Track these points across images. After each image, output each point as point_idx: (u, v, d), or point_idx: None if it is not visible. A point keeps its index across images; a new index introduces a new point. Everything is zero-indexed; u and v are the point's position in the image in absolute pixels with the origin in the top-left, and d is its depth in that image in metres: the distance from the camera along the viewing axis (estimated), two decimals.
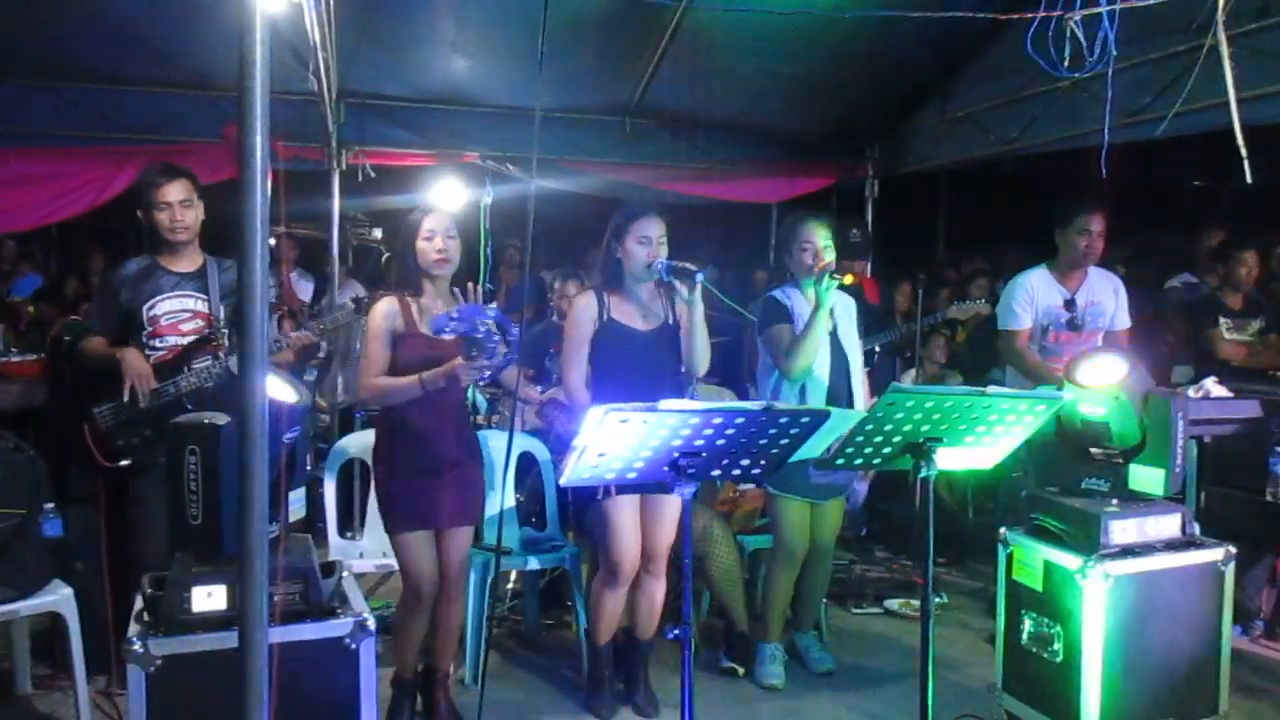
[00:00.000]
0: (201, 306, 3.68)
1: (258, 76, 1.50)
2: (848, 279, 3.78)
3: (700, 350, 3.58)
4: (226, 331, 3.68)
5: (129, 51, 5.26)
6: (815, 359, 3.82)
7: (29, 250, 8.51)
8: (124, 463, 3.56)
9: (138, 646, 2.36)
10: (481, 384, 3.32)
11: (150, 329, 3.61)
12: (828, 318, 3.83)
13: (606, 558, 3.59)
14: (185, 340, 3.63)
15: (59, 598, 3.43)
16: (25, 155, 5.47)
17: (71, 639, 3.41)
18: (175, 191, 3.61)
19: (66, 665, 3.47)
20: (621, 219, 3.59)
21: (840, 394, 3.89)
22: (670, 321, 3.65)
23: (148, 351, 3.59)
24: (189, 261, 3.71)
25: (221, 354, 3.62)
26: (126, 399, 3.51)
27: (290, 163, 5.80)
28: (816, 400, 3.81)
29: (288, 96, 5.53)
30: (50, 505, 3.48)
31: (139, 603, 2.55)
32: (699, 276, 3.40)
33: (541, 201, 3.28)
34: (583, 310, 3.59)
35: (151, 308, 3.61)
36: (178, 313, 3.65)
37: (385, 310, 3.34)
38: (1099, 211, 4.33)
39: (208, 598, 2.44)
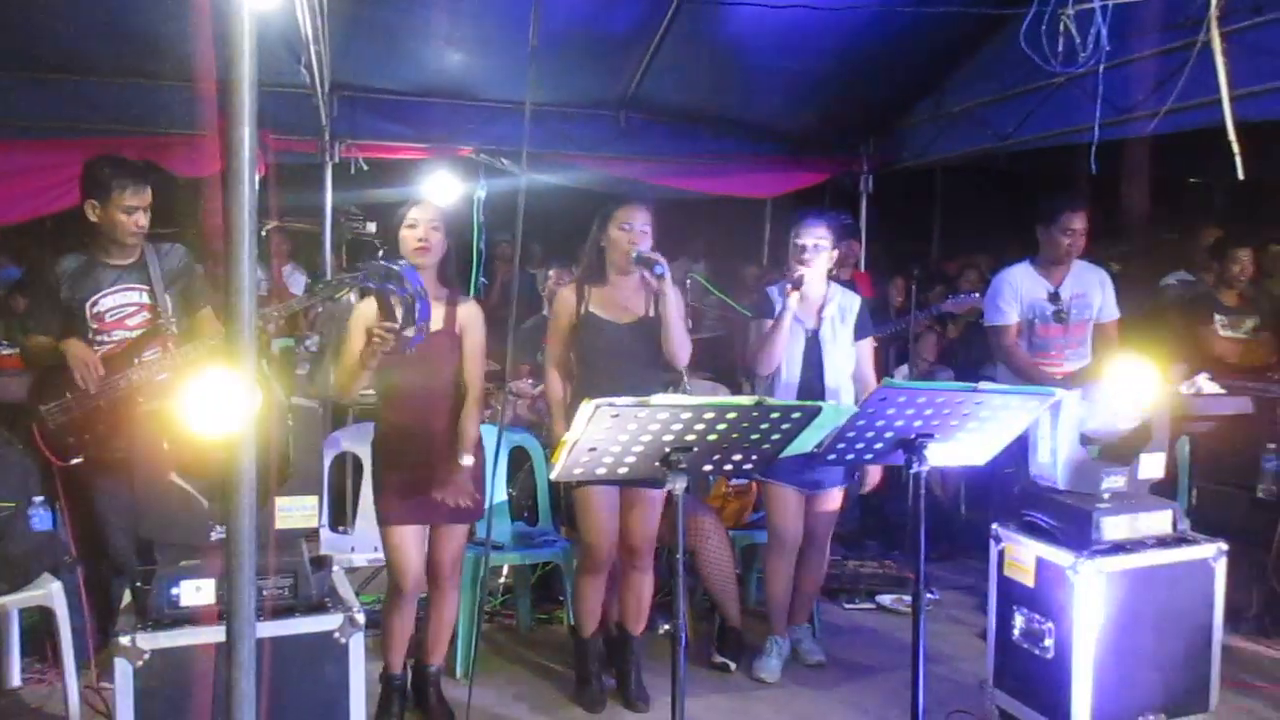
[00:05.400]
0: (146, 298, 3.60)
1: (244, 68, 1.48)
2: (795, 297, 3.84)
3: (676, 340, 3.57)
4: (175, 320, 3.62)
5: (120, 43, 5.22)
6: (781, 360, 3.86)
7: (8, 240, 8.40)
8: (76, 461, 3.47)
9: (126, 640, 2.35)
10: (406, 349, 3.24)
11: (95, 326, 3.53)
12: (790, 321, 3.84)
13: (582, 541, 3.61)
14: (134, 334, 3.56)
15: (48, 591, 3.42)
16: (15, 147, 5.43)
17: (61, 633, 3.40)
18: (145, 197, 3.52)
19: (57, 659, 3.47)
20: (607, 208, 3.64)
21: (811, 393, 3.88)
22: (651, 315, 3.65)
23: (96, 347, 3.51)
24: (128, 254, 3.61)
25: (171, 344, 3.56)
26: (81, 388, 3.41)
27: (283, 155, 5.78)
28: (784, 398, 3.82)
29: (280, 89, 5.51)
30: (40, 499, 3.47)
31: (126, 596, 2.54)
32: (659, 269, 3.44)
33: (535, 196, 3.28)
34: (560, 304, 3.65)
35: (94, 304, 3.53)
36: (122, 307, 3.57)
37: (363, 310, 3.35)
38: (1082, 210, 4.34)
39: (196, 592, 2.44)
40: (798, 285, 3.81)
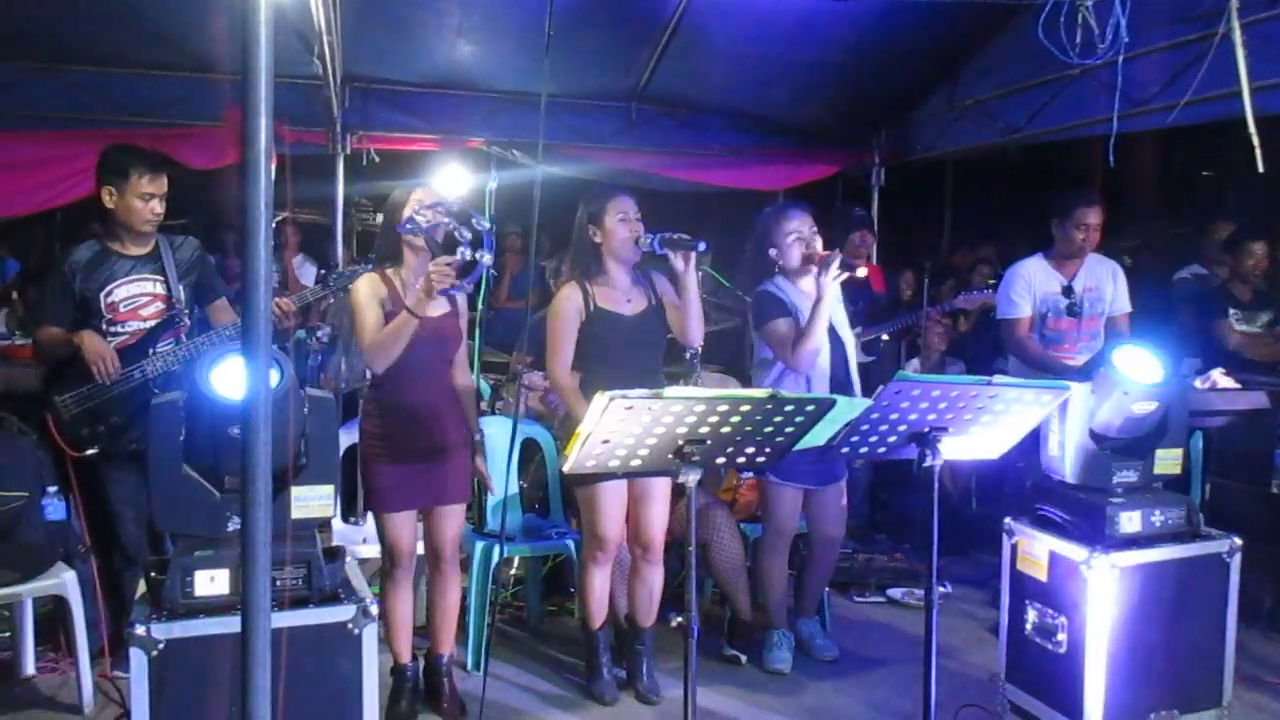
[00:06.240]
0: (160, 289, 3.61)
1: (261, 58, 1.48)
2: (861, 272, 3.73)
3: (696, 322, 3.55)
4: (189, 311, 3.64)
5: (131, 34, 5.22)
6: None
7: (9, 233, 8.42)
8: (90, 451, 3.48)
9: (141, 630, 2.36)
10: (457, 292, 3.25)
11: (109, 316, 3.53)
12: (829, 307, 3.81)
13: (589, 532, 3.60)
14: (148, 325, 3.56)
15: (62, 580, 3.44)
16: (25, 138, 5.43)
17: (75, 622, 3.42)
18: (162, 184, 3.53)
19: (70, 648, 3.48)
20: (595, 203, 3.59)
21: (842, 384, 3.86)
22: (653, 302, 3.64)
23: (109, 338, 3.51)
24: (142, 244, 3.62)
25: (184, 335, 3.57)
26: (97, 380, 3.42)
27: (294, 147, 5.77)
28: (821, 391, 3.79)
29: (292, 80, 5.51)
30: (53, 488, 3.48)
31: (142, 586, 2.55)
32: (701, 245, 3.36)
33: (544, 188, 3.27)
34: (567, 302, 3.57)
35: (109, 294, 3.53)
36: (136, 297, 3.57)
37: (369, 283, 3.32)
38: (1098, 205, 4.33)
39: (210, 582, 2.44)
40: (850, 267, 3.71)
